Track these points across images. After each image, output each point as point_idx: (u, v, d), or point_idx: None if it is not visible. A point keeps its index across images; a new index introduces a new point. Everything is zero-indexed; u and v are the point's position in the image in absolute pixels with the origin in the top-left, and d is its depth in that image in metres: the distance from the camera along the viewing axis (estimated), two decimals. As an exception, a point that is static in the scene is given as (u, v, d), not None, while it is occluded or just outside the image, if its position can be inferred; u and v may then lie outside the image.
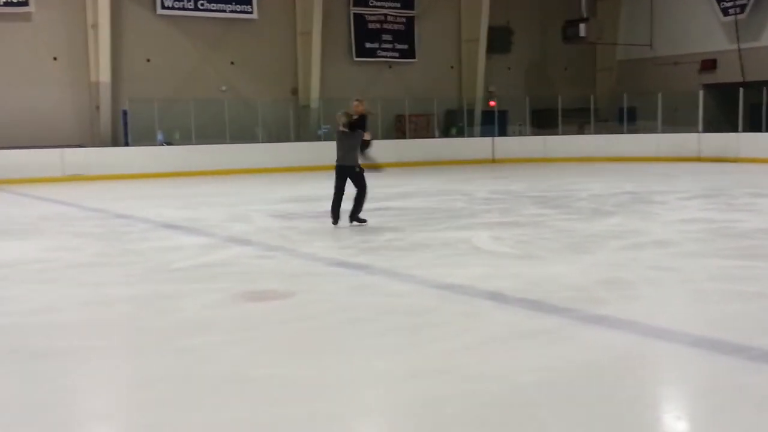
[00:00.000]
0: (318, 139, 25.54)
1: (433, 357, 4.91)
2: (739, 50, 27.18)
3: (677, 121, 26.10)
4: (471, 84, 29.53)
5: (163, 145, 23.78)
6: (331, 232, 10.37)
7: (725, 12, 27.85)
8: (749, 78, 26.45)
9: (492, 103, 29.13)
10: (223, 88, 25.63)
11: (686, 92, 26.61)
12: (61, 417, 4.14)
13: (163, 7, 24.54)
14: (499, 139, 27.89)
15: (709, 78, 28.34)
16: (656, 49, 30.04)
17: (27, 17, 22.81)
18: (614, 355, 4.86)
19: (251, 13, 25.86)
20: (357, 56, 27.92)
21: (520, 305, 6.12)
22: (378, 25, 28.18)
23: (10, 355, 5.16)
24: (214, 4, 25.23)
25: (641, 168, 22.07)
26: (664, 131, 26.20)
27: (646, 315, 5.80)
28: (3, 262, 8.67)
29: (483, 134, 28.56)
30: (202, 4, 25.07)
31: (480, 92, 29.32)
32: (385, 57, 28.48)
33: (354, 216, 10.62)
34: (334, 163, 10.71)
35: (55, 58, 23.37)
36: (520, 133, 28.88)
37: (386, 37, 28.38)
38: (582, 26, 28.74)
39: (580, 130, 28.68)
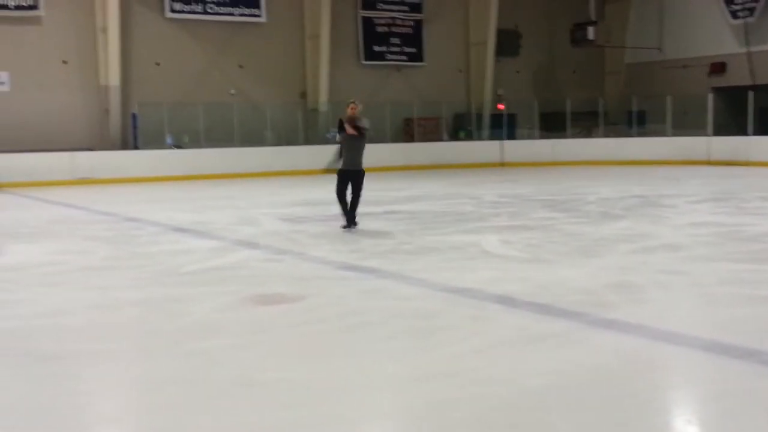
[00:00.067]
0: (327, 142, 25.55)
1: (442, 360, 4.90)
2: (749, 53, 27.10)
3: (687, 125, 26.00)
4: (479, 87, 29.51)
5: (172, 148, 23.83)
6: (339, 235, 10.37)
7: (734, 15, 27.76)
8: (759, 81, 26.37)
9: (500, 106, 29.09)
10: (232, 91, 25.68)
11: (695, 95, 26.52)
12: (70, 420, 4.15)
13: (172, 10, 24.62)
14: (507, 143, 27.84)
15: (719, 81, 28.24)
16: (665, 52, 29.97)
17: (37, 21, 22.92)
18: (623, 359, 4.85)
19: (260, 16, 25.91)
20: (365, 59, 27.95)
21: (528, 309, 6.11)
22: (386, 29, 28.20)
23: (19, 358, 5.17)
24: (223, 8, 25.30)
25: (650, 171, 22.01)
26: (673, 135, 26.11)
27: (655, 319, 5.78)
28: (12, 265, 8.70)
29: (491, 137, 28.52)
30: (210, 8, 25.14)
31: (488, 95, 29.29)
32: (394, 60, 28.49)
33: (353, 220, 10.63)
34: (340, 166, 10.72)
35: (64, 62, 23.47)
36: (529, 136, 28.82)
37: (394, 40, 28.39)
38: (590, 29, 28.71)
39: (589, 134, 28.60)
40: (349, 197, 10.62)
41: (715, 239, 9.56)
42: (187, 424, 4.00)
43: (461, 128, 29.25)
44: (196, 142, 24.23)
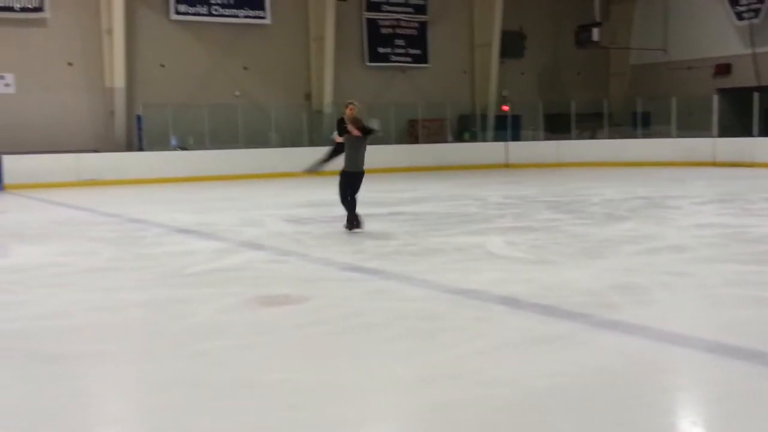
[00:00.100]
0: (331, 144, 25.54)
1: (446, 362, 4.90)
2: (754, 54, 27.07)
3: (691, 126, 25.97)
4: (484, 89, 29.52)
5: (176, 150, 23.88)
6: (344, 236, 10.37)
7: (739, 16, 27.73)
8: (764, 82, 26.34)
9: (505, 107, 29.09)
10: (237, 93, 25.73)
11: (700, 97, 26.50)
12: (73, 421, 4.15)
13: (177, 12, 24.68)
14: (512, 144, 27.83)
15: (724, 82, 28.21)
16: (670, 53, 29.94)
17: (42, 23, 22.99)
18: (628, 361, 4.84)
19: (264, 18, 25.96)
20: (370, 61, 27.97)
21: (533, 310, 6.10)
22: (391, 30, 28.22)
23: (23, 359, 5.18)
24: (228, 10, 25.35)
25: (655, 173, 21.98)
26: (678, 136, 26.08)
27: (660, 320, 5.77)
28: (17, 267, 8.72)
29: (496, 139, 28.52)
30: (215, 10, 25.19)
31: (493, 97, 29.30)
32: (398, 62, 28.51)
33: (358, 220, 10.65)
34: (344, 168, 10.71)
35: (70, 64, 23.54)
36: (534, 138, 28.81)
37: (399, 42, 28.41)
38: (595, 31, 28.71)
39: (594, 135, 28.58)
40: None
41: (720, 240, 9.54)
42: (190, 425, 4.00)
43: (466, 129, 29.24)
44: (200, 144, 24.28)
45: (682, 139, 25.73)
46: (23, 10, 22.54)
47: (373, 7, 27.82)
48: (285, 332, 5.75)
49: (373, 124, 11.03)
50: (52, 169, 21.33)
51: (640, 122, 27.73)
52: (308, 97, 26.90)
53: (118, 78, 23.47)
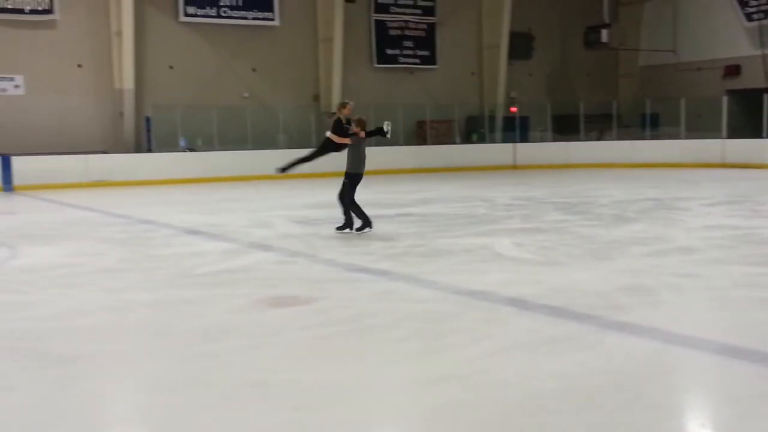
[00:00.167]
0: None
1: (454, 363, 4.90)
2: (764, 56, 26.96)
3: (701, 127, 25.90)
4: (492, 90, 29.50)
5: (185, 151, 23.93)
6: (352, 238, 10.38)
7: (749, 17, 27.64)
8: (774, 83, 26.25)
9: (513, 108, 29.06)
10: (245, 94, 25.78)
11: (710, 98, 26.41)
12: (83, 421, 4.17)
13: (186, 14, 24.75)
14: (520, 145, 27.80)
15: (733, 84, 28.12)
16: (679, 54, 29.86)
17: (52, 25, 23.09)
18: (636, 362, 4.83)
19: (273, 20, 26.01)
20: (378, 62, 27.99)
21: (541, 312, 6.10)
22: (399, 32, 28.23)
23: (33, 359, 5.21)
24: (236, 11, 25.41)
25: (664, 174, 21.92)
26: (687, 137, 26.01)
27: (668, 322, 5.76)
28: (28, 267, 8.76)
29: (504, 140, 28.47)
30: (224, 12, 25.25)
31: (501, 98, 29.27)
32: (406, 63, 28.52)
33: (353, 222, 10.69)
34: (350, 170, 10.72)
35: (79, 66, 23.62)
36: (542, 139, 28.77)
37: (407, 43, 28.42)
38: (604, 32, 28.64)
39: (602, 136, 28.53)
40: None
41: (729, 242, 9.51)
42: (198, 425, 4.02)
43: (474, 131, 29.23)
44: (209, 145, 24.33)
45: (692, 140, 25.66)
46: (33, 12, 22.64)
47: (381, 8, 27.84)
48: (293, 333, 5.76)
49: (385, 125, 11.00)
50: (62, 170, 21.40)
51: (649, 123, 27.66)
52: (317, 98, 26.93)
53: (127, 79, 23.55)
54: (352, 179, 10.62)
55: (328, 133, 11.00)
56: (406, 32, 28.36)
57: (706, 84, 28.30)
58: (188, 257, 9.17)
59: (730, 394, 4.36)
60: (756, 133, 24.76)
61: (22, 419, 4.15)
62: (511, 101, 29.50)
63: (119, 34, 23.36)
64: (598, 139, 28.36)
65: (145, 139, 24.14)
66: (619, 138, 27.74)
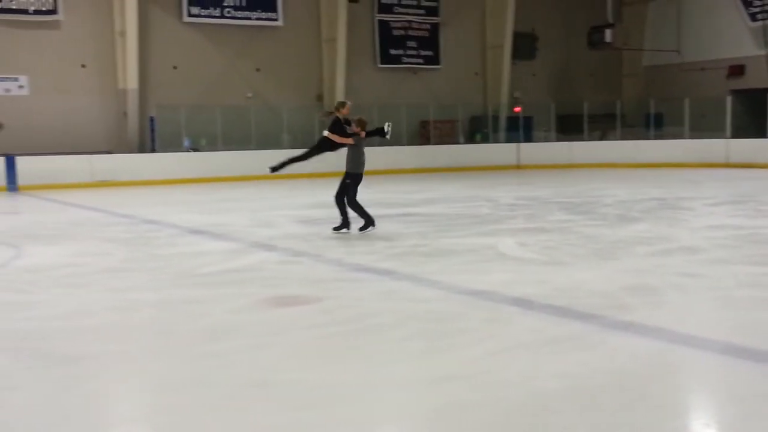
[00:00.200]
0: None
1: (458, 363, 4.90)
2: (768, 56, 26.93)
3: (705, 127, 25.87)
4: (496, 90, 29.48)
5: (189, 151, 23.96)
6: (356, 237, 10.39)
7: (753, 17, 27.60)
8: (778, 83, 26.20)
9: (517, 109, 29.06)
10: (249, 94, 25.80)
11: (714, 98, 26.37)
12: (87, 421, 4.18)
13: (190, 14, 24.77)
14: (524, 145, 27.79)
15: (737, 84, 28.08)
16: (683, 54, 29.83)
17: (56, 25, 23.12)
18: (640, 362, 4.83)
19: (277, 20, 26.02)
20: (382, 63, 27.99)
21: (545, 311, 6.09)
22: (402, 32, 28.23)
23: (37, 359, 5.21)
24: (240, 12, 25.43)
25: (668, 174, 21.90)
26: (691, 137, 25.98)
27: (672, 321, 5.75)
28: (32, 267, 8.78)
29: (508, 140, 28.47)
30: (228, 12, 25.27)
31: (505, 98, 29.26)
32: (410, 63, 28.52)
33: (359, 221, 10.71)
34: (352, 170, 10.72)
35: (83, 66, 23.65)
36: (546, 139, 28.76)
37: (411, 43, 28.41)
38: (608, 32, 28.62)
39: (606, 136, 28.51)
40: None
41: (734, 242, 9.50)
42: (203, 424, 4.02)
43: (477, 131, 29.22)
44: (213, 145, 24.35)
45: (695, 140, 25.63)
46: (37, 12, 22.68)
47: (384, 8, 27.84)
48: (297, 333, 5.77)
49: (385, 126, 11.00)
50: (66, 170, 21.43)
51: (653, 123, 27.63)
52: (320, 98, 26.93)
53: (131, 80, 23.57)
54: (354, 179, 10.62)
55: (326, 133, 11.00)
56: (410, 32, 28.36)
57: (710, 84, 28.26)
58: (192, 257, 9.19)
59: (734, 393, 4.35)
60: (760, 132, 24.73)
61: (26, 419, 4.16)
62: (514, 101, 29.49)
63: (123, 34, 23.39)
64: (602, 139, 28.34)
65: (149, 139, 24.17)
66: (623, 138, 27.72)
